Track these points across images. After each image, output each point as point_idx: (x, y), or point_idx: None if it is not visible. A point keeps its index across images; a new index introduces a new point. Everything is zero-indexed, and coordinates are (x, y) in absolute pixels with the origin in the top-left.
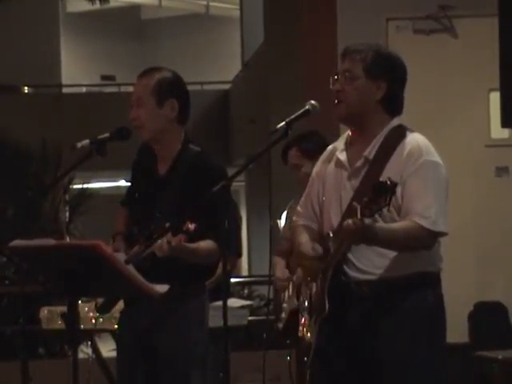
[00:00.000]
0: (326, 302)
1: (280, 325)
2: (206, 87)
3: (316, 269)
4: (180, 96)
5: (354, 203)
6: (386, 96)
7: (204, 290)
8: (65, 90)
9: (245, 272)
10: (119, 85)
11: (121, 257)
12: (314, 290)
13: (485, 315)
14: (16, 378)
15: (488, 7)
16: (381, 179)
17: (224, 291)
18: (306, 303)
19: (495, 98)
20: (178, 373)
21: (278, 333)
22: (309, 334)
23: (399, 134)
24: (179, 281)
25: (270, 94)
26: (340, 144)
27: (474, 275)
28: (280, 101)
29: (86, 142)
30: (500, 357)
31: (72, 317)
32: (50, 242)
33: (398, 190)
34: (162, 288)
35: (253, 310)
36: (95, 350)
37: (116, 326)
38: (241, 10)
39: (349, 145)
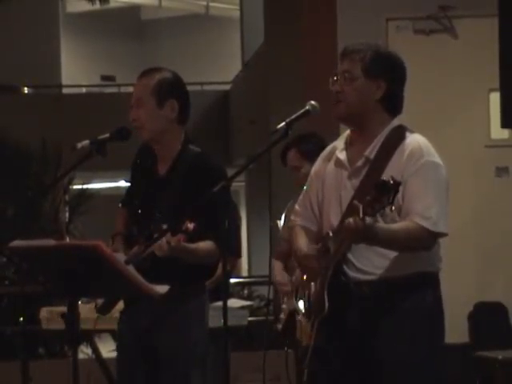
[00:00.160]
0: (326, 302)
1: (279, 325)
2: (206, 87)
3: (315, 268)
4: (180, 96)
5: (355, 202)
6: (385, 95)
7: (204, 290)
8: (65, 91)
9: (245, 272)
10: (119, 85)
11: (121, 257)
12: (312, 290)
13: (485, 315)
14: (16, 378)
15: (488, 7)
16: (384, 178)
17: (224, 291)
18: (303, 305)
19: (495, 98)
20: (178, 373)
21: (277, 333)
22: (304, 337)
23: (400, 134)
24: (179, 281)
25: (270, 94)
26: (340, 143)
27: (473, 275)
28: (280, 101)
29: (85, 142)
30: (500, 357)
31: (72, 317)
32: (50, 242)
33: (399, 190)
34: (162, 288)
35: (253, 311)
36: (95, 350)
37: (116, 327)
38: (241, 10)
39: (349, 144)
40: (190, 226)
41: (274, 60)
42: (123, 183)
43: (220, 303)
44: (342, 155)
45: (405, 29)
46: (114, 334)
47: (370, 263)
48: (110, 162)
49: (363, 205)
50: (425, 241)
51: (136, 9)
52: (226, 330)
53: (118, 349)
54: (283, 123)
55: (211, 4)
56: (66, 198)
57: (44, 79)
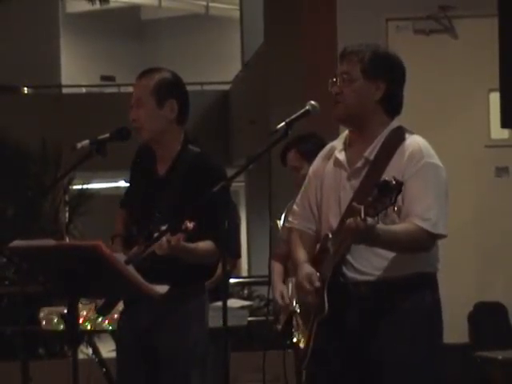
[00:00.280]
0: (326, 303)
1: (279, 326)
2: (206, 87)
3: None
4: (180, 97)
5: (354, 204)
6: (384, 96)
7: (204, 290)
8: (65, 91)
9: (244, 272)
10: (119, 85)
11: (121, 257)
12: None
13: (485, 315)
14: (16, 378)
15: (488, 7)
16: (386, 178)
17: (223, 292)
18: (298, 307)
19: (495, 98)
20: (178, 373)
21: (277, 333)
22: (302, 339)
23: (399, 135)
24: (179, 281)
25: (270, 94)
26: (338, 143)
27: (473, 275)
28: (280, 101)
29: (85, 142)
30: (500, 357)
31: (72, 317)
32: (50, 242)
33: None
34: (162, 288)
35: (252, 311)
36: (95, 350)
37: (115, 327)
38: (241, 10)
39: (347, 145)
40: (190, 225)
41: (273, 60)
42: (123, 183)
43: (220, 303)
44: (341, 156)
45: (405, 29)
46: (114, 335)
47: (369, 264)
48: (110, 162)
49: (364, 205)
50: (424, 242)
51: (136, 9)
52: (226, 330)
53: (117, 349)
54: (283, 123)
55: (211, 4)
56: (66, 198)
57: (44, 79)
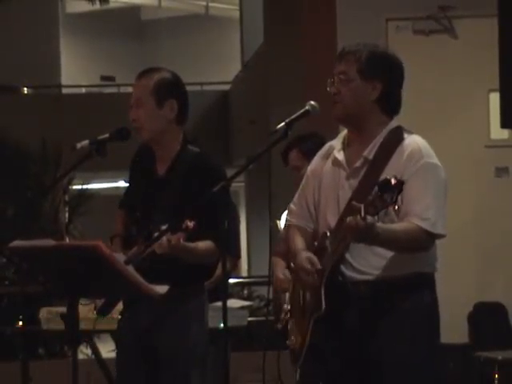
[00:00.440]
0: (323, 301)
1: (279, 325)
2: (206, 88)
3: (311, 283)
4: (179, 96)
5: (354, 202)
6: (381, 96)
7: (203, 290)
8: (64, 91)
9: (244, 273)
10: (119, 85)
11: (120, 257)
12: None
13: (485, 316)
14: (16, 378)
15: (488, 8)
16: (387, 177)
17: (223, 292)
18: (289, 307)
19: (495, 98)
20: (178, 373)
21: (277, 333)
22: (293, 338)
23: (398, 135)
24: (179, 281)
25: (270, 94)
26: (337, 143)
27: (473, 275)
28: (280, 101)
29: (85, 142)
30: (500, 357)
31: (72, 317)
32: (50, 242)
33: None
34: (162, 288)
35: (252, 311)
36: (95, 350)
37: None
38: (240, 10)
39: (346, 145)
40: (190, 224)
41: (273, 60)
42: (123, 183)
43: (220, 303)
44: (339, 155)
45: (404, 29)
46: (114, 335)
47: (368, 263)
48: (110, 162)
49: (365, 204)
50: (423, 242)
51: (136, 9)
52: (226, 331)
53: (117, 349)
54: (283, 123)
55: (211, 4)
56: (66, 198)
57: (44, 79)
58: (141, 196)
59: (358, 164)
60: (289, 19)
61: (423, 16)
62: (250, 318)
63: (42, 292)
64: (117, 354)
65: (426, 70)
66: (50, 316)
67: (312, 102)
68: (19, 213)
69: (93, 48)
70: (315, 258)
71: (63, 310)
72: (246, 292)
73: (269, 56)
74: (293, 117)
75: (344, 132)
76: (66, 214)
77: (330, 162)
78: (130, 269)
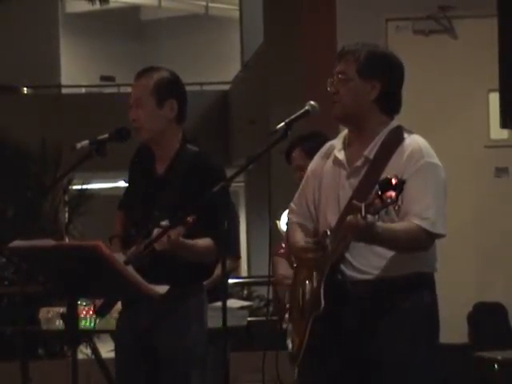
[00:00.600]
0: (322, 300)
1: (285, 325)
2: (206, 88)
3: (310, 259)
4: (179, 96)
5: (355, 202)
6: (381, 96)
7: (202, 290)
8: (64, 91)
9: (244, 273)
10: (119, 85)
11: (120, 257)
12: (307, 288)
13: (484, 316)
14: (16, 378)
15: (488, 8)
16: (388, 176)
17: (223, 292)
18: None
19: (494, 98)
20: (178, 373)
21: (282, 333)
22: (292, 338)
23: (399, 135)
24: (178, 281)
25: (269, 94)
26: (338, 143)
27: (473, 275)
28: (280, 101)
29: (85, 142)
30: (500, 357)
31: (72, 317)
32: (50, 242)
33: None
34: (162, 289)
35: (252, 311)
36: (94, 350)
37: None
38: (240, 10)
39: (347, 144)
40: (189, 218)
41: (273, 60)
42: (123, 183)
43: (219, 303)
44: (340, 155)
45: (404, 29)
46: (113, 335)
47: (368, 262)
48: (110, 162)
49: (365, 203)
50: (423, 241)
51: (136, 9)
52: (226, 331)
53: (116, 349)
54: (283, 123)
55: (211, 4)
56: (66, 198)
57: (44, 79)
58: (140, 196)
59: (358, 163)
60: (289, 19)
61: (423, 16)
62: (249, 318)
63: (42, 292)
64: (116, 353)
65: (425, 70)
66: (50, 316)
67: (312, 102)
68: (19, 213)
69: (93, 48)
70: (313, 238)
71: (63, 310)
72: (245, 292)
73: (269, 56)
74: (293, 117)
75: (345, 132)
76: (66, 214)
77: (330, 161)
78: (130, 269)
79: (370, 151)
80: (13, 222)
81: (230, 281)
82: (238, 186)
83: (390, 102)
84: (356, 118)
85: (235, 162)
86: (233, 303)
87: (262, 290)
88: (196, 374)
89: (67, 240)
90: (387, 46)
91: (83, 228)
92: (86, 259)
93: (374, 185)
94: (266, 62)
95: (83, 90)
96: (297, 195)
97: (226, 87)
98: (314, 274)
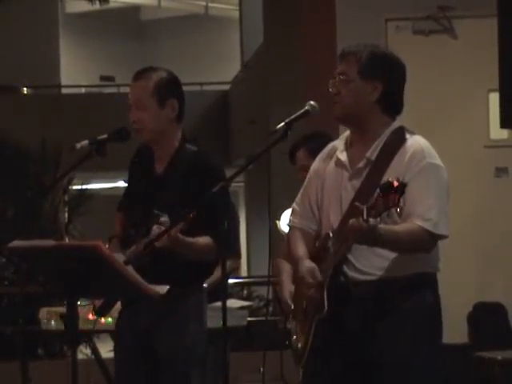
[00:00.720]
0: (325, 302)
1: (289, 325)
2: (206, 88)
3: (311, 296)
4: (179, 95)
5: (357, 204)
6: (382, 96)
7: (202, 290)
8: (64, 91)
9: (244, 273)
10: (118, 85)
11: (120, 257)
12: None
13: (484, 316)
14: (15, 378)
15: (487, 8)
16: (389, 179)
17: (223, 292)
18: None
19: (494, 98)
20: (178, 373)
21: (280, 333)
22: (295, 338)
23: (401, 135)
24: (178, 281)
25: (269, 94)
26: (340, 144)
27: (473, 275)
28: (280, 101)
29: (85, 142)
30: (500, 357)
31: (71, 317)
32: (50, 242)
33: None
34: (162, 289)
35: (252, 311)
36: (94, 350)
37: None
38: (240, 10)
39: (349, 145)
40: (189, 214)
41: (273, 60)
42: (122, 184)
43: (219, 303)
44: (342, 156)
45: (404, 29)
46: (113, 335)
47: (370, 264)
48: (110, 162)
49: (367, 206)
50: (426, 243)
51: (135, 9)
52: (226, 331)
53: (116, 349)
54: (283, 123)
55: (210, 4)
56: (66, 198)
57: (43, 79)
58: (140, 196)
59: (360, 165)
60: (289, 19)
61: (423, 16)
62: (249, 318)
63: (42, 292)
64: (115, 353)
65: (425, 70)
66: (50, 316)
67: (312, 102)
68: (19, 213)
69: (92, 48)
70: (317, 271)
71: (63, 310)
72: (245, 292)
73: (269, 56)
74: (293, 117)
75: (347, 132)
76: (66, 214)
77: (332, 162)
78: (130, 269)
79: (372, 152)
80: (13, 222)
81: (230, 281)
82: (237, 186)
83: (392, 103)
84: (357, 118)
85: (235, 162)
86: (233, 303)
87: (262, 290)
88: (196, 373)
89: (67, 240)
90: (387, 46)
91: (83, 228)
92: (86, 259)
93: (376, 186)
94: (266, 62)
95: (83, 90)
96: (299, 196)
97: (226, 87)
98: (313, 290)
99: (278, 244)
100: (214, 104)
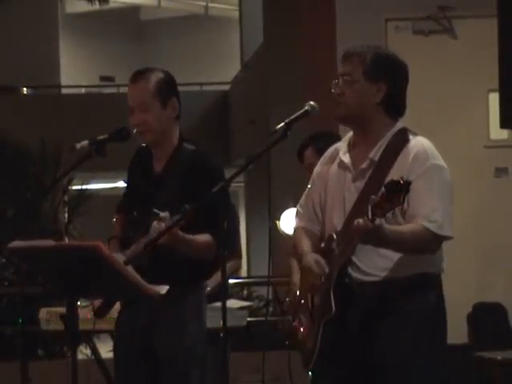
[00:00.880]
0: (333, 303)
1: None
2: (206, 88)
3: (318, 286)
4: (177, 94)
5: (361, 205)
6: (386, 98)
7: (202, 290)
8: (64, 91)
9: (244, 273)
10: (118, 86)
11: (120, 258)
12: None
13: (484, 316)
14: (15, 378)
15: (487, 8)
16: (394, 178)
17: (222, 292)
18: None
19: (494, 98)
20: (178, 373)
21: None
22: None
23: (404, 136)
24: (178, 281)
25: (269, 94)
26: (342, 146)
27: (473, 275)
28: (280, 101)
29: (85, 142)
30: (499, 357)
31: (71, 317)
32: (50, 242)
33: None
34: (162, 289)
35: (252, 311)
36: (94, 350)
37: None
38: (240, 10)
39: (352, 147)
40: (188, 207)
41: (273, 60)
42: (122, 184)
43: (219, 304)
44: (345, 158)
45: (404, 29)
46: (113, 335)
47: (373, 265)
48: (110, 162)
49: (372, 205)
50: (430, 244)
51: (135, 9)
52: (226, 331)
53: (116, 349)
54: (282, 124)
55: (210, 4)
56: (66, 198)
57: (43, 80)
58: (140, 196)
59: (363, 166)
60: (289, 19)
61: (423, 16)
62: (249, 319)
63: (42, 292)
64: (115, 353)
65: (425, 70)
66: (50, 316)
67: (311, 103)
68: (19, 213)
69: (92, 48)
70: (323, 261)
71: (63, 310)
72: (245, 292)
73: (269, 56)
74: (292, 117)
75: (349, 134)
76: (66, 215)
77: (335, 164)
78: (130, 269)
79: (375, 153)
80: (13, 222)
81: (230, 281)
82: (237, 186)
83: (395, 105)
84: (360, 119)
85: (235, 162)
86: (232, 303)
87: (262, 291)
88: (196, 373)
89: (67, 240)
90: (387, 47)
91: (83, 228)
92: (86, 259)
93: (380, 187)
94: (266, 62)
95: (83, 91)
96: (303, 198)
97: (226, 87)
98: (322, 277)
99: (279, 244)
100: (213, 104)
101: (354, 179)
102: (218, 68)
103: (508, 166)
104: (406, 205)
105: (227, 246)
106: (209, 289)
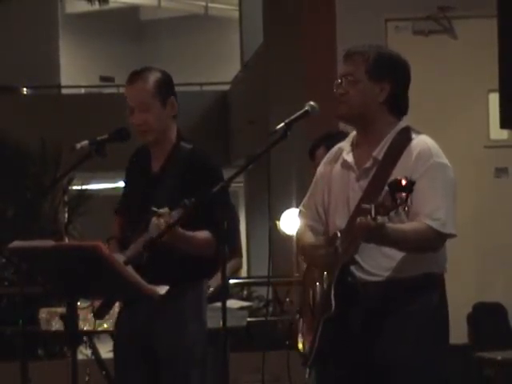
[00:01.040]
0: (333, 302)
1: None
2: (206, 88)
3: (322, 255)
4: (174, 92)
5: (365, 204)
6: (389, 97)
7: (202, 290)
8: (64, 91)
9: (244, 273)
10: (118, 86)
11: (120, 257)
12: (318, 290)
13: (484, 316)
14: (15, 378)
15: (487, 8)
16: (398, 177)
17: (222, 292)
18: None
19: (494, 98)
20: (178, 373)
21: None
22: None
23: (407, 135)
24: (178, 280)
25: (269, 94)
26: (346, 145)
27: (473, 275)
28: (280, 101)
29: (85, 142)
30: (499, 358)
31: (71, 318)
32: (50, 242)
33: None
34: (162, 289)
35: (252, 311)
36: (94, 350)
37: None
38: (240, 10)
39: (355, 146)
40: (187, 201)
41: (273, 60)
42: (122, 184)
43: (219, 304)
44: (349, 157)
45: (404, 29)
46: (113, 335)
47: (377, 264)
48: (110, 162)
49: (375, 204)
50: (433, 242)
51: (135, 9)
52: (226, 331)
53: (116, 349)
54: (282, 124)
55: (210, 4)
56: (66, 198)
57: (43, 80)
58: (139, 196)
59: (367, 165)
60: (289, 19)
61: (423, 16)
62: (249, 319)
63: (42, 292)
64: (115, 353)
65: (425, 70)
66: (50, 316)
67: (311, 103)
68: (19, 213)
69: (92, 48)
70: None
71: (63, 310)
72: (245, 292)
73: (269, 56)
74: (292, 117)
75: (352, 134)
76: (66, 215)
77: (338, 164)
78: (130, 269)
79: (379, 152)
80: (13, 222)
81: (230, 281)
82: (237, 186)
83: (399, 104)
84: (363, 118)
85: (235, 162)
86: (232, 304)
87: (262, 291)
88: (196, 373)
89: (67, 240)
90: (387, 47)
91: (83, 228)
92: (86, 259)
93: (384, 186)
94: (266, 62)
95: (83, 91)
96: (306, 199)
97: (226, 87)
98: (325, 275)
99: (279, 244)
100: (213, 104)
101: (357, 178)
102: (218, 68)
103: (508, 166)
104: (409, 203)
105: (228, 245)
106: (212, 289)
